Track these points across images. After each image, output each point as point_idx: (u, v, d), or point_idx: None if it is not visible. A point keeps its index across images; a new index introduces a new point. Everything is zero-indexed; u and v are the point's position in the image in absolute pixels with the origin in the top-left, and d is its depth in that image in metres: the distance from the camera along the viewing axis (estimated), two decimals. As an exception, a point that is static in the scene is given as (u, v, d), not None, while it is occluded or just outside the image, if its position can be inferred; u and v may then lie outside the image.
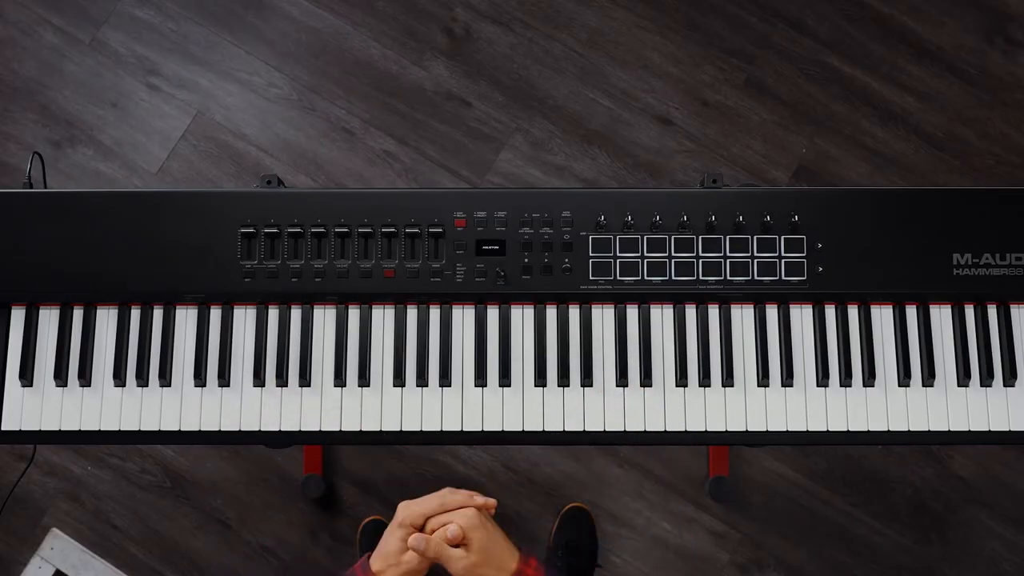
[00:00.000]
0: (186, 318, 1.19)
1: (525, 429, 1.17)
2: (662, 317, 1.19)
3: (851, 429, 1.17)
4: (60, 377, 1.17)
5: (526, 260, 1.17)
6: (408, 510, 1.04)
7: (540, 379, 1.17)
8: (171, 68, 2.15)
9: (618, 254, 1.18)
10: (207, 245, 1.17)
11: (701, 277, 1.17)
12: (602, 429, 1.17)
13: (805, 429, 1.17)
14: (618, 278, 1.17)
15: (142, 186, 2.10)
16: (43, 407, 1.17)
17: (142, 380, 1.17)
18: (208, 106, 2.14)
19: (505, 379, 1.17)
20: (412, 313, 1.19)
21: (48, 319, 1.19)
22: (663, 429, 1.17)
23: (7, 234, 1.17)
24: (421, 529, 1.04)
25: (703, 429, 1.17)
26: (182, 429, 1.17)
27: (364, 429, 1.17)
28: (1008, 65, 2.15)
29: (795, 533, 1.97)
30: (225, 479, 1.99)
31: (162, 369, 1.17)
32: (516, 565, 1.02)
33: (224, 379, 1.17)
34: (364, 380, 1.17)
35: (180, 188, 2.10)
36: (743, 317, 1.19)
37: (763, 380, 1.17)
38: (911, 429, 1.17)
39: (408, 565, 1.02)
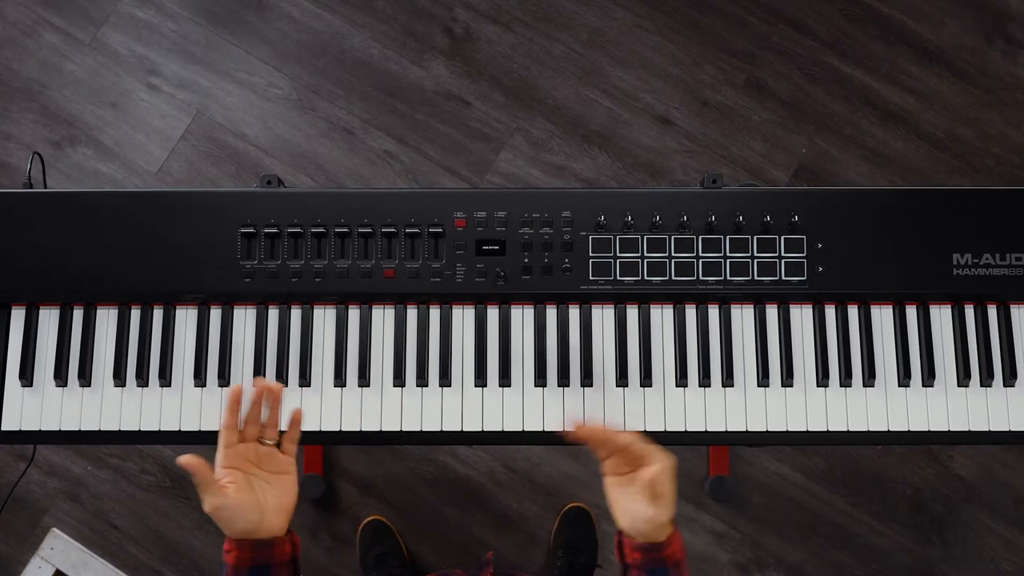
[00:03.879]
0: (186, 318, 1.19)
1: (525, 429, 1.17)
2: (662, 317, 1.19)
3: (851, 429, 1.17)
4: (60, 377, 1.17)
5: (526, 260, 1.17)
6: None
7: (540, 379, 1.17)
8: (171, 68, 2.15)
9: (618, 254, 1.18)
10: (207, 245, 1.17)
11: (701, 277, 1.17)
12: (602, 429, 1.16)
13: (805, 429, 1.17)
14: (618, 278, 1.17)
15: (142, 186, 2.10)
16: (43, 407, 1.17)
17: (142, 380, 1.17)
18: (208, 106, 2.14)
19: (505, 379, 1.17)
20: (412, 313, 1.19)
21: (48, 319, 1.19)
22: (663, 429, 1.16)
23: (7, 234, 1.17)
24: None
25: (703, 429, 1.17)
26: (182, 429, 1.17)
27: (364, 429, 1.17)
28: (1008, 65, 2.15)
29: (795, 533, 1.97)
30: (225, 479, 1.99)
31: (162, 369, 1.17)
32: (672, 527, 0.95)
33: (224, 379, 1.17)
34: (364, 380, 1.17)
35: (180, 188, 2.10)
36: (743, 317, 1.19)
37: (763, 380, 1.17)
38: (911, 429, 1.17)
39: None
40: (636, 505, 0.94)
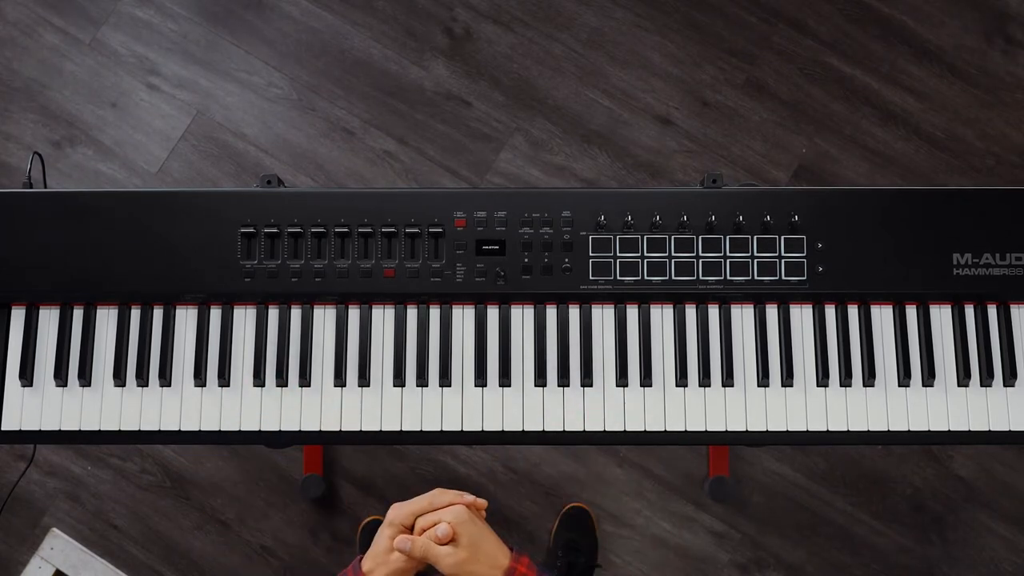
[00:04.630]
0: (186, 318, 1.19)
1: (525, 429, 1.17)
2: (662, 317, 1.19)
3: (851, 429, 1.17)
4: (60, 377, 1.17)
5: (526, 260, 1.17)
6: (398, 510, 1.04)
7: (540, 379, 1.17)
8: (171, 68, 2.15)
9: (618, 254, 1.18)
10: (207, 245, 1.17)
11: (701, 277, 1.17)
12: (602, 429, 1.17)
13: (805, 429, 1.17)
14: (618, 278, 1.17)
15: (142, 186, 2.10)
16: (43, 407, 1.17)
17: (142, 380, 1.17)
18: (208, 106, 2.14)
19: (505, 379, 1.17)
20: (412, 313, 1.19)
21: (48, 319, 1.19)
22: (663, 429, 1.17)
23: (7, 234, 1.17)
24: (411, 529, 1.04)
25: (703, 429, 1.17)
26: (182, 429, 1.17)
27: (364, 429, 1.17)
28: (1008, 65, 2.15)
29: (795, 533, 1.97)
30: (225, 479, 1.99)
31: (162, 369, 1.17)
32: (508, 562, 1.01)
33: (224, 379, 1.17)
34: (364, 380, 1.17)
35: (180, 188, 2.10)
36: (743, 317, 1.19)
37: (763, 380, 1.17)
38: (911, 429, 1.17)
39: (396, 564, 1.01)
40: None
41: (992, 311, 1.20)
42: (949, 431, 1.17)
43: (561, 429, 1.16)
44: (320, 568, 1.97)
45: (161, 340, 1.18)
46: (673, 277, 1.17)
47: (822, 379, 1.17)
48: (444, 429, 1.17)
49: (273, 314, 1.19)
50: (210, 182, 2.11)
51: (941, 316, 1.19)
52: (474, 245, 1.18)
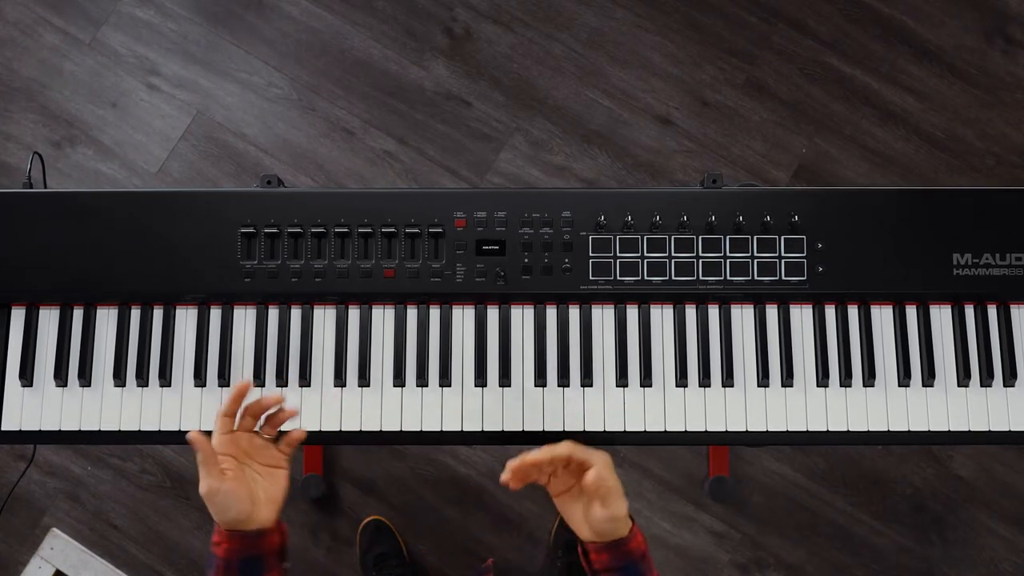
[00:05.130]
0: (186, 318, 1.19)
1: (525, 429, 1.17)
2: (662, 317, 1.19)
3: (851, 429, 1.17)
4: (60, 377, 1.17)
5: (526, 260, 1.17)
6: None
7: (540, 379, 1.17)
8: (171, 68, 2.15)
9: (618, 254, 1.18)
10: (207, 245, 1.17)
11: (701, 277, 1.17)
12: (602, 429, 1.16)
13: (805, 429, 1.17)
14: (618, 278, 1.17)
15: (142, 186, 2.10)
16: (43, 407, 1.17)
17: (142, 380, 1.17)
18: (208, 106, 2.14)
19: (505, 379, 1.17)
20: (412, 313, 1.19)
21: (48, 319, 1.19)
22: (663, 429, 1.17)
23: (7, 234, 1.17)
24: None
25: (703, 429, 1.17)
26: (182, 429, 1.17)
27: (364, 429, 1.17)
28: (1008, 65, 2.15)
29: (795, 533, 1.97)
30: (225, 479, 1.99)
31: (162, 369, 1.17)
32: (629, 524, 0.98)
33: (224, 379, 1.17)
34: (364, 380, 1.17)
35: (180, 188, 2.10)
36: (743, 317, 1.19)
37: (763, 380, 1.17)
38: (911, 429, 1.17)
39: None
40: (592, 511, 0.96)
41: (992, 311, 1.20)
42: (949, 431, 1.17)
43: (561, 429, 1.16)
44: (320, 568, 1.96)
45: (161, 340, 1.18)
46: (673, 277, 1.17)
47: (822, 379, 1.17)
48: (444, 429, 1.17)
49: (273, 314, 1.19)
50: (210, 182, 2.11)
51: (941, 316, 1.19)
52: (474, 245, 1.18)
